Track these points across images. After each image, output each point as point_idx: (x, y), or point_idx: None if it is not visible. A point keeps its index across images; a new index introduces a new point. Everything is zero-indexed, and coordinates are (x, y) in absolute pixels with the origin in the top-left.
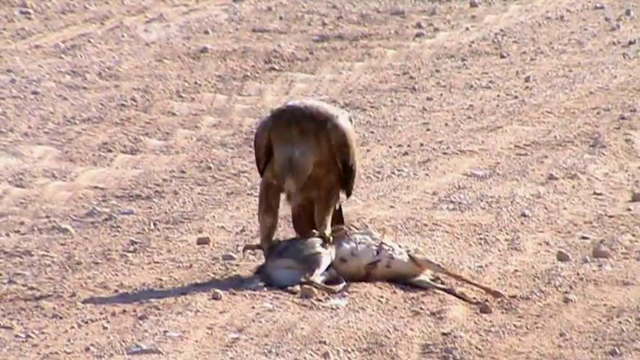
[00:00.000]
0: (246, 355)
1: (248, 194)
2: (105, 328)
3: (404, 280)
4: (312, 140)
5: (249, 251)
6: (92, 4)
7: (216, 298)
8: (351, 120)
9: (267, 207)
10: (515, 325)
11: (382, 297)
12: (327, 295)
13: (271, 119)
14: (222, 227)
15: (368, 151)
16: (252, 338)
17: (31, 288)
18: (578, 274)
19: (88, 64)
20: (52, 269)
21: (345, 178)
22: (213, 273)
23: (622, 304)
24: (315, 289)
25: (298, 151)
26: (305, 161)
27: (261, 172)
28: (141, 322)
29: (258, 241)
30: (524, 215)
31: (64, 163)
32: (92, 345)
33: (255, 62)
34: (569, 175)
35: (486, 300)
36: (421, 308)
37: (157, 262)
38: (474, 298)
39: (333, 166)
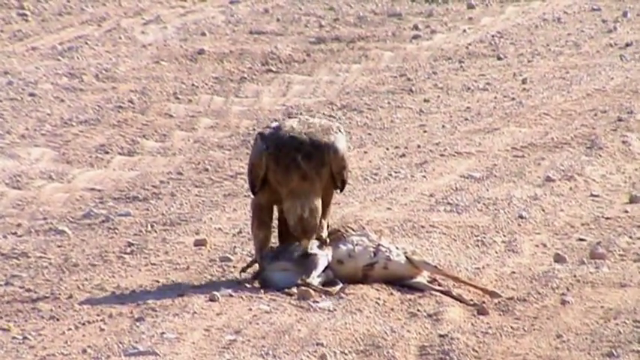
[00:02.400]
0: (243, 357)
1: (245, 196)
2: (102, 329)
3: (401, 282)
4: (316, 182)
5: (249, 269)
6: (89, 5)
7: (213, 299)
8: (341, 130)
9: (261, 223)
10: (512, 327)
11: (379, 299)
12: (323, 296)
13: (268, 155)
14: (220, 229)
15: (365, 153)
16: (249, 340)
17: (28, 290)
18: (575, 275)
19: (85, 66)
20: (49, 271)
21: (339, 190)
22: (211, 275)
23: (619, 305)
24: (311, 291)
25: (307, 210)
26: (315, 219)
27: (254, 193)
28: (138, 323)
29: (252, 246)
30: (521, 217)
31: (61, 165)
32: (89, 347)
33: (252, 64)
34: (566, 176)
35: (483, 302)
36: (418, 310)
37: (154, 264)
38: (471, 300)
39: (330, 186)
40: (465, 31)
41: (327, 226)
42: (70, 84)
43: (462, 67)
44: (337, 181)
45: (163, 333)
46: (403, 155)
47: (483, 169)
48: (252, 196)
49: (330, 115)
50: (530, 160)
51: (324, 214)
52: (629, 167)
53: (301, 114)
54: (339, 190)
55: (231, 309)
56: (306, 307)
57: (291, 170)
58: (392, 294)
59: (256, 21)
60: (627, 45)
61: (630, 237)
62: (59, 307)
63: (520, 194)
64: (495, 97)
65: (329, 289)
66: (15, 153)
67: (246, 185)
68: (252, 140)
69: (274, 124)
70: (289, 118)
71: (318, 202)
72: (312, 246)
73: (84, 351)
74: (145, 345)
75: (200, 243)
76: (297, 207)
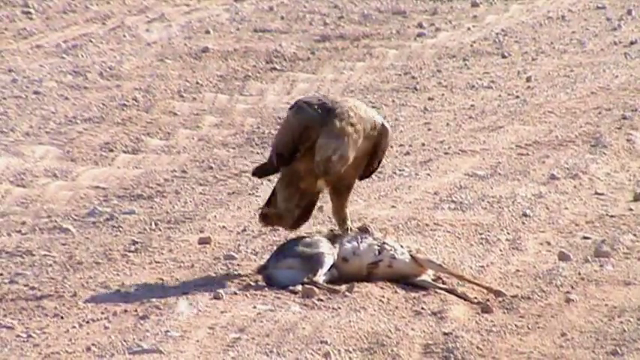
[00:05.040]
0: (248, 355)
1: (249, 194)
2: (106, 327)
3: (405, 280)
4: (360, 135)
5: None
6: (94, 3)
7: (217, 297)
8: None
9: (290, 182)
10: (516, 325)
11: (383, 297)
12: (328, 294)
13: (322, 115)
14: (224, 227)
15: None
16: (253, 338)
17: (33, 288)
18: (579, 273)
19: (89, 64)
20: (54, 269)
21: (366, 176)
22: (215, 273)
23: (623, 304)
24: (316, 289)
25: (338, 155)
26: (340, 167)
27: (284, 163)
28: (142, 321)
29: (260, 241)
30: (525, 215)
31: (65, 163)
32: (93, 344)
33: (256, 62)
34: (570, 174)
35: (487, 300)
36: (422, 308)
37: (158, 262)
38: (475, 298)
39: (363, 165)
40: (469, 29)
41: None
42: (74, 82)
43: (466, 65)
44: (375, 161)
45: (168, 331)
46: (408, 153)
47: (488, 167)
48: (259, 190)
49: None
50: (534, 158)
51: (344, 202)
52: (633, 165)
53: None
54: (365, 175)
55: (235, 307)
56: (311, 305)
57: (344, 117)
58: (396, 292)
59: (261, 19)
60: (632, 43)
61: (635, 235)
62: (63, 305)
63: (524, 192)
64: (500, 95)
65: (335, 287)
66: (19, 151)
67: (250, 183)
68: (294, 109)
69: (315, 99)
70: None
71: (350, 155)
72: (319, 244)
73: (88, 349)
74: (149, 343)
75: (204, 241)
76: (331, 147)
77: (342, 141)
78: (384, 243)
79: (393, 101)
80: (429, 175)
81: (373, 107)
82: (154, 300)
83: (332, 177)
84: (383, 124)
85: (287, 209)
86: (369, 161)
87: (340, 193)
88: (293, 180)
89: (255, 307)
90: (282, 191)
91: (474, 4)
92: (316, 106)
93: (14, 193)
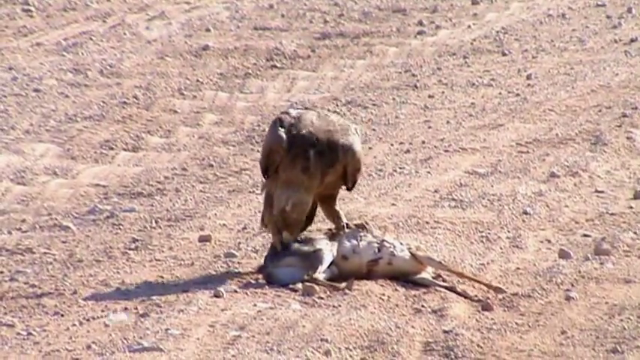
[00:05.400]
0: (248, 353)
1: (250, 192)
2: (106, 325)
3: (405, 278)
4: (315, 179)
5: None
6: (94, 1)
7: (217, 295)
8: (358, 132)
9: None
10: (516, 323)
11: (383, 294)
12: (328, 292)
13: (286, 143)
14: (224, 225)
15: (370, 148)
16: (253, 336)
17: (33, 285)
18: (579, 271)
19: (89, 62)
20: (54, 267)
21: (348, 190)
22: (215, 271)
23: (623, 301)
24: (316, 287)
25: (291, 204)
26: (297, 215)
27: (266, 175)
28: (142, 319)
29: (260, 239)
30: (525, 213)
31: (65, 161)
32: (94, 342)
33: (256, 60)
34: (570, 172)
35: (488, 298)
36: (422, 306)
37: (158, 260)
38: (476, 296)
39: (339, 183)
40: (469, 26)
41: (340, 216)
42: (74, 80)
43: (466, 62)
44: (349, 181)
45: (168, 329)
46: (408, 151)
47: (488, 165)
48: (262, 182)
49: (335, 111)
50: (534, 156)
51: (333, 205)
52: (633, 163)
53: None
54: (347, 189)
55: (235, 305)
56: (311, 303)
57: (297, 159)
58: (396, 290)
59: (261, 17)
60: (632, 41)
61: (635, 233)
62: (64, 302)
63: (524, 190)
64: (500, 93)
65: (336, 284)
66: (19, 149)
67: (251, 181)
68: (271, 125)
69: (294, 113)
70: (307, 109)
71: (307, 199)
72: (317, 242)
73: (88, 347)
74: (149, 341)
75: (204, 239)
76: (283, 199)
77: (293, 189)
78: (383, 240)
79: (394, 99)
80: (429, 172)
81: (366, 110)
82: (154, 298)
83: (295, 226)
84: (350, 149)
85: (269, 218)
86: (344, 182)
87: (325, 201)
88: (267, 198)
89: (255, 305)
90: (265, 206)
91: (474, 2)
92: (285, 129)
93: (14, 190)
